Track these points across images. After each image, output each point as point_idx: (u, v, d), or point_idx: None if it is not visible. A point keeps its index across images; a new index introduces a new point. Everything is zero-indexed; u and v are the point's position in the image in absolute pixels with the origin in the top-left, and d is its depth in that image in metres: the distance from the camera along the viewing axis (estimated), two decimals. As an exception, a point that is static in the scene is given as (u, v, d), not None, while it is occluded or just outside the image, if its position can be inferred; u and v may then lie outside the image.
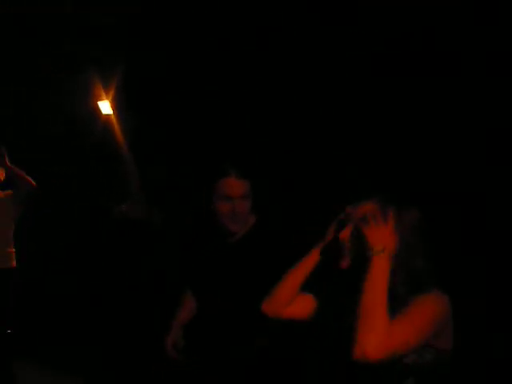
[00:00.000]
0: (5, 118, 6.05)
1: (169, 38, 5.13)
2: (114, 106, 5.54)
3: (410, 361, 1.81)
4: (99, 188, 5.99)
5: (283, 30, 4.49)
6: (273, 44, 4.64)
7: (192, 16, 4.99)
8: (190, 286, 2.81)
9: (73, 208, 6.25)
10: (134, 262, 5.31)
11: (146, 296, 5.16)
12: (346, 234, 1.95)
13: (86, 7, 5.24)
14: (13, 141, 4.83)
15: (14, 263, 4.62)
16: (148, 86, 5.32)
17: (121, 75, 5.39)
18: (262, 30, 4.65)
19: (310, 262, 2.08)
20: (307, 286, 2.08)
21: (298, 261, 2.10)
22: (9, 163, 4.45)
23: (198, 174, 3.69)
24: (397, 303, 1.81)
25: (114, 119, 5.60)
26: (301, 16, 4.38)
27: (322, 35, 4.26)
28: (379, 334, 1.74)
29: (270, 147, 4.46)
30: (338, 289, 2.07)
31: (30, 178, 4.46)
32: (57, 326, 5.82)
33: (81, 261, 5.95)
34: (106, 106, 5.64)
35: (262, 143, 4.52)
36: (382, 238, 1.85)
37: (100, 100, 5.68)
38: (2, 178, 4.58)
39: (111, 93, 5.49)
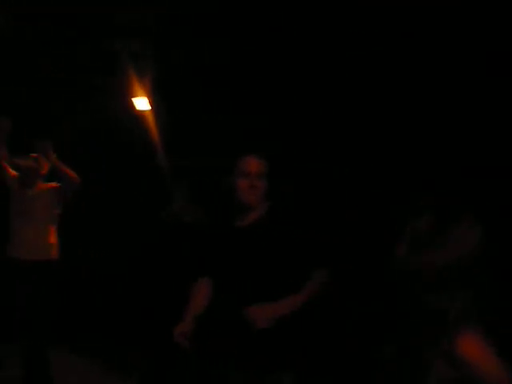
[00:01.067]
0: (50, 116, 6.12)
1: (204, 32, 5.16)
2: (151, 102, 5.57)
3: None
4: (138, 187, 6.05)
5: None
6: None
7: (225, 8, 5.02)
8: (206, 271, 2.89)
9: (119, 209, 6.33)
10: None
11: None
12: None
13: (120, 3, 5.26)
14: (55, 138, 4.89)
15: (56, 255, 4.66)
16: (185, 81, 5.37)
17: (157, 71, 5.43)
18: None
19: None
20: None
21: None
22: (54, 158, 4.49)
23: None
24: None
25: (150, 116, 5.64)
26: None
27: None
28: None
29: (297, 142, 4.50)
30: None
31: (74, 174, 4.50)
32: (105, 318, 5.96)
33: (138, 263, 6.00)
34: (142, 103, 5.68)
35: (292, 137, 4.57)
36: None
37: (136, 96, 5.72)
38: (45, 171, 4.63)
39: (148, 89, 5.52)
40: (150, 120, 5.67)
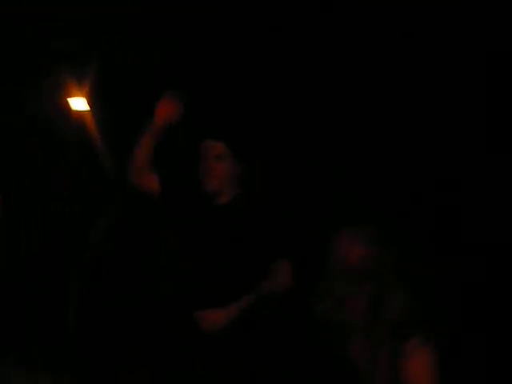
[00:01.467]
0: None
1: (146, 30, 5.11)
2: (90, 103, 5.46)
3: None
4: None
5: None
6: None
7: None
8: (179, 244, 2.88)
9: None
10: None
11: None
12: None
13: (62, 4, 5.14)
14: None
15: None
16: (124, 81, 5.30)
17: (96, 71, 5.32)
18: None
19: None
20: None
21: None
22: None
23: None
24: (381, 347, 1.81)
25: (89, 116, 5.53)
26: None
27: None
28: None
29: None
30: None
31: None
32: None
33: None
34: (79, 103, 5.55)
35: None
36: None
37: (73, 96, 5.59)
38: None
39: (86, 89, 5.41)
40: (88, 121, 5.55)
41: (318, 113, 4.58)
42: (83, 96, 5.48)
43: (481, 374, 3.38)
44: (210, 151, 2.78)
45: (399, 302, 1.87)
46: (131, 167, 2.88)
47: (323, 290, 1.94)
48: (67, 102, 5.67)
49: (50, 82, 5.43)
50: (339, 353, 1.90)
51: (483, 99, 3.83)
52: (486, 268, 3.61)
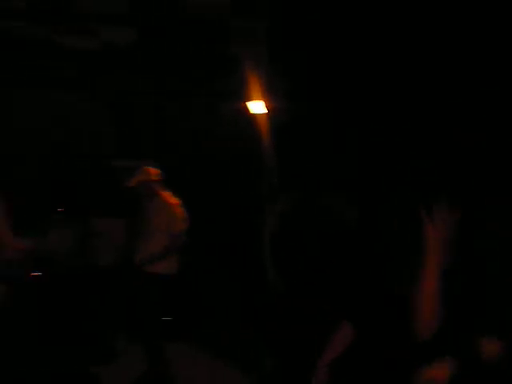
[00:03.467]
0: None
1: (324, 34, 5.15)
2: (268, 105, 5.64)
3: None
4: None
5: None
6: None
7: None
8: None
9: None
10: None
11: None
12: None
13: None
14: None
15: None
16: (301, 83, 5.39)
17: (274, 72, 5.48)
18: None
19: None
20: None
21: None
22: None
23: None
24: None
25: (264, 118, 5.71)
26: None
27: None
28: None
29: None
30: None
31: None
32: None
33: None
34: (257, 106, 5.76)
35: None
36: None
37: (251, 100, 5.81)
38: None
39: (263, 92, 5.59)
40: (264, 123, 5.74)
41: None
42: (261, 99, 5.66)
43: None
44: None
45: None
46: None
47: None
48: (246, 105, 5.93)
49: (230, 86, 5.71)
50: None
51: None
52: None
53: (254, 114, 5.95)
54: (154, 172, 5.05)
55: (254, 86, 5.66)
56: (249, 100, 5.83)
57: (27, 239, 4.24)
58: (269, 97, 5.58)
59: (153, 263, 4.87)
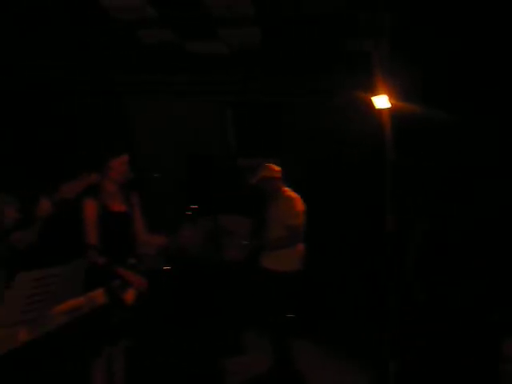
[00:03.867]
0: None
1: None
2: (391, 101, 5.49)
3: None
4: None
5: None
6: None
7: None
8: None
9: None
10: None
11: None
12: None
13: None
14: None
15: None
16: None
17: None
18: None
19: None
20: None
21: None
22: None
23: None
24: None
25: (387, 114, 5.56)
26: None
27: None
28: None
29: None
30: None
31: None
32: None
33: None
34: (382, 101, 5.61)
35: None
36: None
37: (376, 95, 5.67)
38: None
39: (387, 87, 5.44)
40: (387, 118, 5.58)
41: None
42: (386, 94, 5.52)
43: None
44: None
45: None
46: None
47: None
48: (371, 100, 5.80)
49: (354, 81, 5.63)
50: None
51: None
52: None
53: (378, 109, 5.81)
54: (275, 169, 5.15)
55: (378, 80, 5.54)
56: (373, 95, 5.71)
57: (162, 236, 4.50)
58: (393, 92, 5.43)
59: (269, 252, 4.96)
